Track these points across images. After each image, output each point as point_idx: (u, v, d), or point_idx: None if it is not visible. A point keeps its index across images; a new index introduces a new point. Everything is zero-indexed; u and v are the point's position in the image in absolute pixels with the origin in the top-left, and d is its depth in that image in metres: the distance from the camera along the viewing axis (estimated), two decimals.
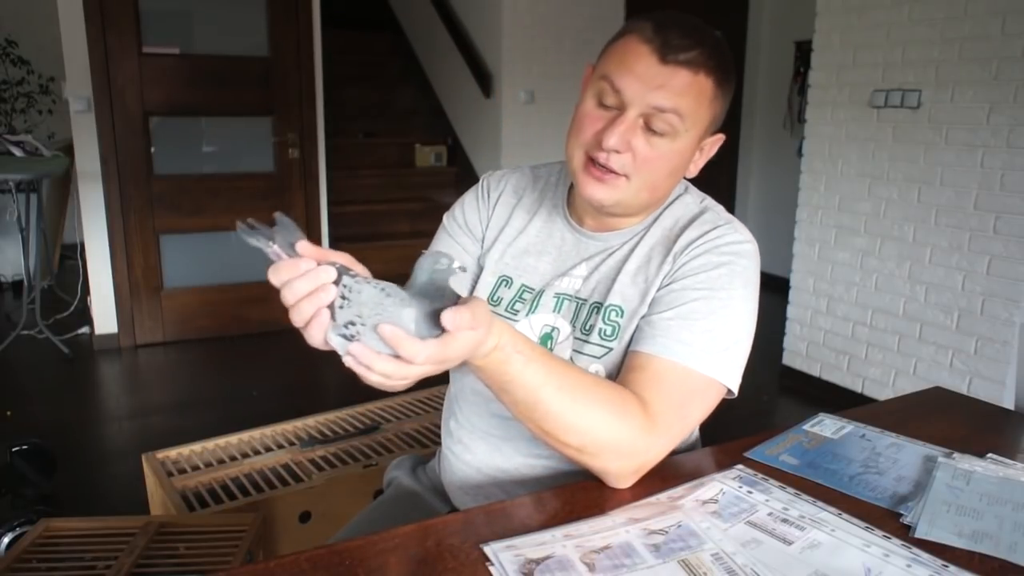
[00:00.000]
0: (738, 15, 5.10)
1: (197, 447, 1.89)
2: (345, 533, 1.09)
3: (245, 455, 1.86)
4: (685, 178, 1.00)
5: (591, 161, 0.92)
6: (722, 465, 0.90)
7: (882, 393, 2.99)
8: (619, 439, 0.84)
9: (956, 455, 0.93)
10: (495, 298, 1.03)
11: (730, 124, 5.18)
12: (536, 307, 1.00)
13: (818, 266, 3.23)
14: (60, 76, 3.87)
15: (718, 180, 5.28)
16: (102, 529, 1.41)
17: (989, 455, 0.94)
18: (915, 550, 0.73)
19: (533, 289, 1.01)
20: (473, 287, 1.07)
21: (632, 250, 0.98)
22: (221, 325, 3.95)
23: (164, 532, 1.41)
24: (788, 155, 4.81)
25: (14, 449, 2.20)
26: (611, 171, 0.91)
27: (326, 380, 3.38)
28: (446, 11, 4.91)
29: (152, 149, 3.69)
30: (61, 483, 2.30)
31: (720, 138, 0.97)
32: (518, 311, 1.01)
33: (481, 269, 1.07)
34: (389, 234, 4.53)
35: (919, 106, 2.78)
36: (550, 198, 1.07)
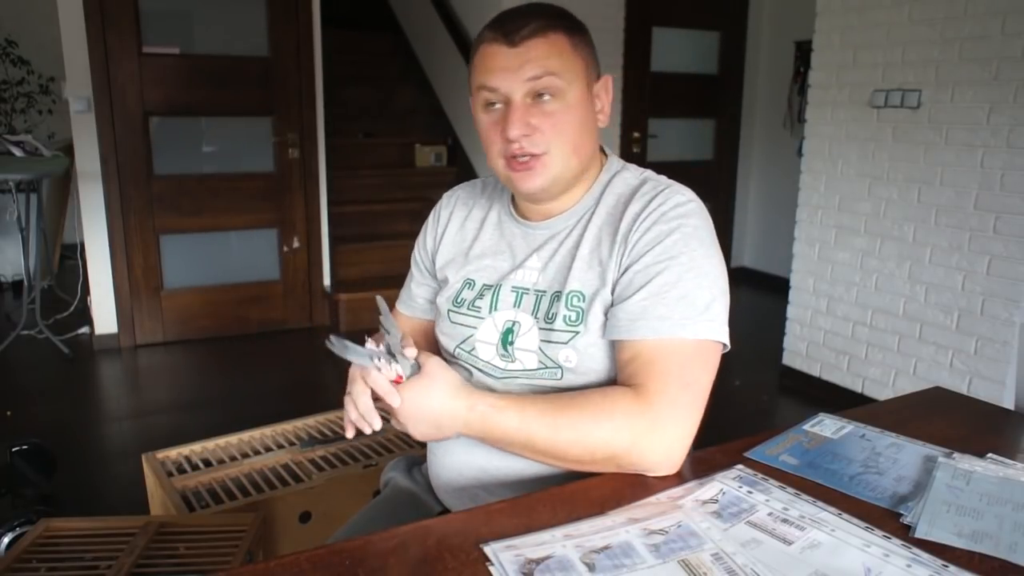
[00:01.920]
0: (738, 15, 5.10)
1: (197, 447, 1.89)
2: (343, 533, 1.09)
3: (245, 455, 1.86)
4: (602, 129, 1.02)
5: (512, 159, 0.96)
6: (722, 465, 0.90)
7: (882, 393, 2.99)
8: (616, 431, 0.86)
9: (956, 455, 0.93)
10: (459, 300, 1.06)
11: (730, 124, 5.23)
12: (496, 304, 1.02)
13: (818, 266, 3.23)
14: (60, 76, 3.87)
15: (718, 180, 5.28)
16: (102, 529, 1.41)
17: (989, 455, 0.94)
18: (915, 550, 0.73)
19: (491, 286, 1.04)
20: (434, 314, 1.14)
21: (582, 235, 1.00)
22: (221, 325, 3.94)
23: (164, 532, 1.41)
24: (788, 155, 4.81)
25: (14, 449, 2.20)
26: (531, 155, 0.95)
27: (326, 380, 3.38)
28: (446, 11, 4.90)
29: (152, 149, 3.70)
30: (61, 483, 2.30)
31: (608, 79, 1.02)
32: (479, 308, 1.04)
33: (443, 284, 1.11)
34: (389, 234, 4.53)
35: (919, 106, 2.78)
36: (497, 200, 1.12)
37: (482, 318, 1.03)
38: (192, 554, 1.36)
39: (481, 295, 1.04)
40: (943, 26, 2.68)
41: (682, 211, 0.95)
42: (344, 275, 4.21)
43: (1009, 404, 2.56)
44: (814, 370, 3.28)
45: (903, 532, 0.77)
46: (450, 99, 5.13)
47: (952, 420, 1.09)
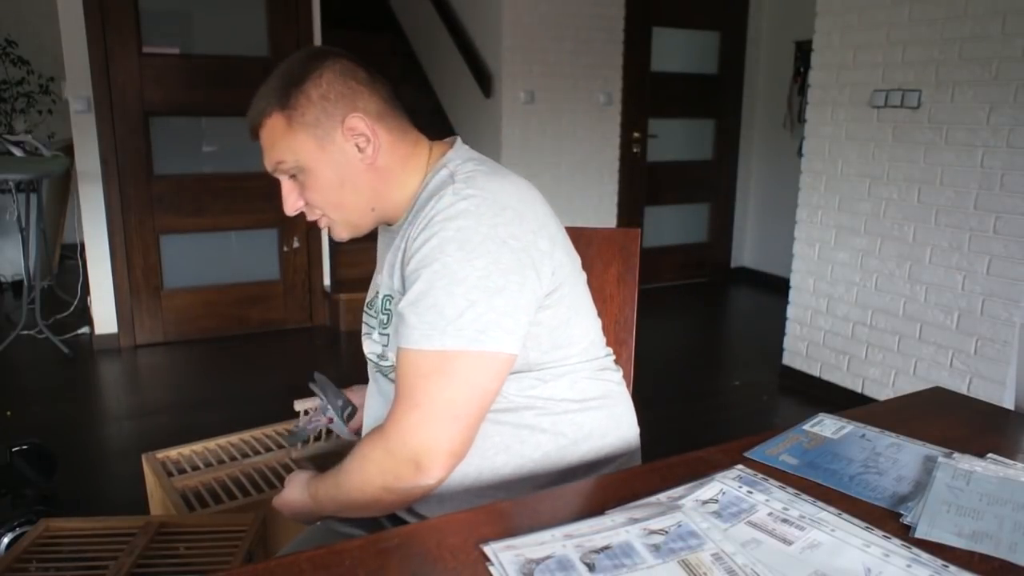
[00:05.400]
0: (738, 15, 5.10)
1: (197, 447, 1.89)
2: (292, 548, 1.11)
3: (245, 455, 1.86)
4: (371, 164, 0.99)
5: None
6: (722, 465, 0.90)
7: (882, 393, 2.99)
8: (368, 468, 0.91)
9: (956, 455, 0.93)
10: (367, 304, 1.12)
11: (730, 124, 5.23)
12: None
13: (818, 266, 3.23)
14: (60, 76, 3.87)
15: (718, 180, 5.28)
16: (102, 529, 1.41)
17: (989, 455, 0.94)
18: (915, 550, 0.73)
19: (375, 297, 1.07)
20: None
21: (403, 238, 0.98)
22: (221, 325, 3.94)
23: (164, 532, 1.41)
24: (788, 155, 4.81)
25: (14, 449, 2.19)
26: (315, 220, 1.03)
27: None
28: (446, 11, 4.90)
29: (152, 149, 3.70)
30: (61, 483, 2.30)
31: (347, 120, 0.97)
32: (371, 316, 1.08)
33: None
34: None
35: (919, 106, 2.78)
36: None
37: (372, 327, 1.06)
38: (192, 554, 1.36)
39: (371, 304, 1.08)
40: (943, 26, 2.68)
41: (447, 214, 0.90)
42: (344, 275, 4.21)
43: (1009, 404, 2.56)
44: (814, 370, 3.28)
45: (903, 532, 0.77)
46: (450, 99, 5.13)
47: (952, 420, 1.09)
